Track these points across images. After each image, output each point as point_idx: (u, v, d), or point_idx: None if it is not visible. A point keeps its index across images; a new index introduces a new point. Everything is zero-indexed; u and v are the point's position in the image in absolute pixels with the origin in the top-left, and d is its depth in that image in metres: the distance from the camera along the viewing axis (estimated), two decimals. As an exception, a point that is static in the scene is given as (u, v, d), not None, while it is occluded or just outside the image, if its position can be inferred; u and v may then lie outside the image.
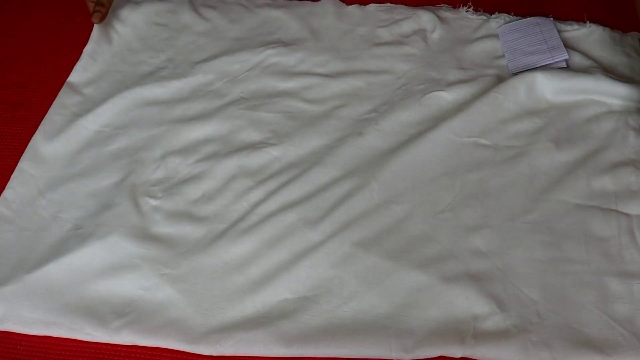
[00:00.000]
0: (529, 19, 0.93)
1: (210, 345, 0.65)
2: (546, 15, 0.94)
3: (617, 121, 0.80)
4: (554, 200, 0.74)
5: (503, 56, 0.90)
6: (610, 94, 0.82)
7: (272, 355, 0.65)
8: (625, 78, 0.84)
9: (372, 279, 0.69)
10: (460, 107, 0.83)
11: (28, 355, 0.67)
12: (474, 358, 0.63)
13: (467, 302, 0.66)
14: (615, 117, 0.80)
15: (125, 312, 0.68)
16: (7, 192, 0.79)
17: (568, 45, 0.89)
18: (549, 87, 0.84)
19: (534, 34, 0.90)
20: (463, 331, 0.64)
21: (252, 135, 0.83)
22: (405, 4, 0.99)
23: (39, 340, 0.68)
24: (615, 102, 0.82)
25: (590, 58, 0.88)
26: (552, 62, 0.86)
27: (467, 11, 0.97)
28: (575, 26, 0.92)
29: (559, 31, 0.91)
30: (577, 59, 0.88)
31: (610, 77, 0.83)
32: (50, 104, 0.89)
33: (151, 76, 0.91)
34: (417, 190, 0.76)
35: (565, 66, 0.86)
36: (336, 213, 0.74)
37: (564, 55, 0.86)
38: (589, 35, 0.91)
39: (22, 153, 0.84)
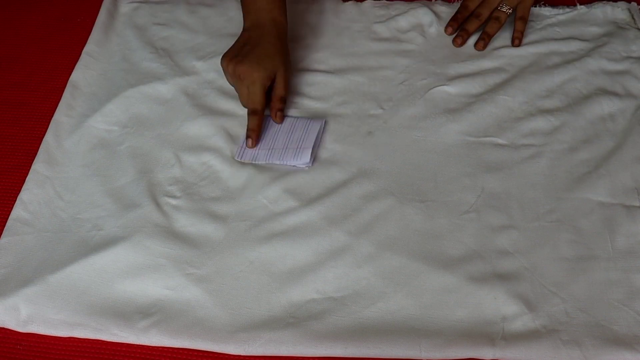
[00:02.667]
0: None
1: (238, 345, 0.64)
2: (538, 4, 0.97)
3: (631, 119, 0.82)
4: (577, 199, 0.74)
5: (501, 47, 0.91)
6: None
7: (301, 355, 0.64)
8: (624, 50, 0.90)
9: (398, 279, 0.69)
10: (467, 107, 0.84)
11: (28, 355, 0.66)
12: (505, 359, 0.63)
13: (496, 303, 0.66)
14: (629, 114, 0.82)
15: (152, 312, 0.67)
16: (23, 194, 0.78)
17: (563, 28, 0.93)
18: (557, 83, 0.86)
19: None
20: (493, 332, 0.64)
21: None
22: (401, 0, 0.99)
23: (39, 340, 0.67)
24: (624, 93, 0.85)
25: (585, 40, 0.92)
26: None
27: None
28: (567, 9, 0.95)
29: (539, 20, 0.94)
30: (574, 44, 0.91)
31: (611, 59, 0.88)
32: (50, 104, 0.88)
33: (153, 74, 0.91)
34: (440, 190, 0.76)
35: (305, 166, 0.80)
36: (359, 212, 0.74)
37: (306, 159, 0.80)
38: (581, 16, 0.95)
39: (22, 153, 0.84)
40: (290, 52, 0.90)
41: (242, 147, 0.81)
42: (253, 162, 0.80)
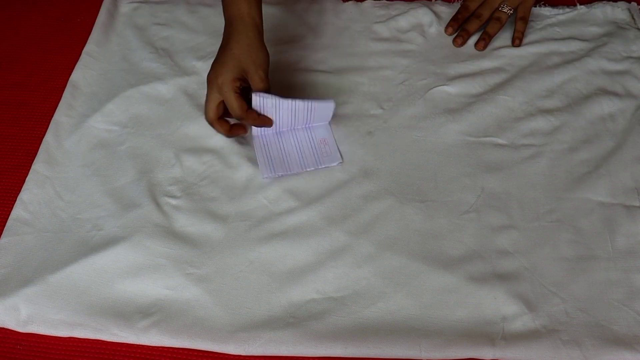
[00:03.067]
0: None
1: (238, 345, 0.64)
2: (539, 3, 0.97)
3: (631, 119, 0.82)
4: (577, 198, 0.74)
5: (501, 47, 0.91)
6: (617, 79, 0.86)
7: (301, 355, 0.64)
8: (624, 51, 0.90)
9: (398, 279, 0.69)
10: (467, 107, 0.84)
11: (28, 355, 0.66)
12: (505, 359, 0.63)
13: (496, 303, 0.66)
14: (629, 114, 0.82)
15: (152, 312, 0.67)
16: (23, 194, 0.78)
17: (563, 28, 0.93)
18: (557, 83, 0.86)
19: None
20: (493, 332, 0.64)
21: None
22: (401, 0, 0.99)
23: (39, 340, 0.67)
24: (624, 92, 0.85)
25: (585, 40, 0.92)
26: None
27: (461, 4, 0.97)
28: (567, 9, 0.95)
29: (547, 17, 0.95)
30: (574, 44, 0.91)
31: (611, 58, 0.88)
32: (50, 104, 0.88)
33: (153, 74, 0.91)
34: (440, 190, 0.76)
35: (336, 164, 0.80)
36: (359, 212, 0.74)
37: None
38: (581, 16, 0.96)
39: (22, 153, 0.84)
40: (288, 54, 0.90)
41: (267, 165, 0.79)
42: (285, 174, 0.79)
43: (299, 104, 0.79)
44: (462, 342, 0.63)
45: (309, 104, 0.80)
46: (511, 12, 0.92)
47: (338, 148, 0.80)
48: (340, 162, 0.79)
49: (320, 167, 0.79)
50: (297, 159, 0.80)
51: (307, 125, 0.83)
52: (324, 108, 0.81)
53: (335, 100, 0.86)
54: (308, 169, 0.79)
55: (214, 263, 0.71)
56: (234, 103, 0.76)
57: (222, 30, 0.97)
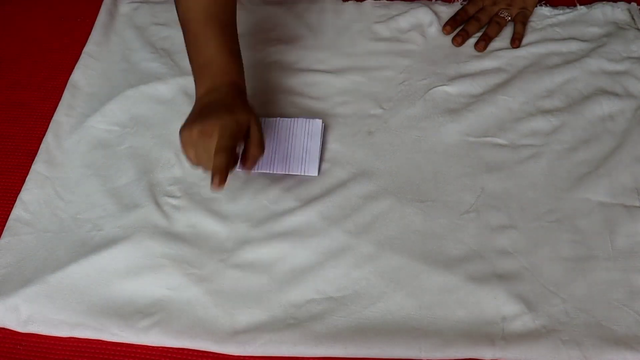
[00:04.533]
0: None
1: (239, 345, 0.65)
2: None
3: (631, 119, 0.82)
4: (577, 199, 0.74)
5: (501, 47, 0.92)
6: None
7: (301, 355, 0.65)
8: (624, 51, 0.89)
9: (398, 279, 0.69)
10: (467, 107, 0.84)
11: (28, 355, 0.66)
12: (505, 359, 0.63)
13: (496, 303, 0.66)
14: (629, 114, 0.82)
15: (152, 312, 0.67)
16: (23, 194, 0.78)
17: (563, 28, 0.93)
18: (557, 83, 0.86)
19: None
20: (492, 333, 0.64)
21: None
22: (401, 0, 0.99)
23: (39, 340, 0.67)
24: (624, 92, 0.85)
25: (585, 40, 0.92)
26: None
27: (461, 4, 0.97)
28: (567, 10, 0.95)
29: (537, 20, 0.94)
30: (574, 44, 0.91)
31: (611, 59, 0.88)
32: (51, 104, 0.88)
33: (153, 74, 0.91)
34: (440, 190, 0.76)
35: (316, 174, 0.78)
36: (359, 212, 0.74)
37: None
38: (581, 16, 0.95)
39: (22, 153, 0.84)
40: (288, 54, 0.90)
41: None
42: (256, 171, 0.79)
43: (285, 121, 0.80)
44: (462, 342, 0.64)
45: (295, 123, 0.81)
46: (509, 18, 0.93)
47: (320, 160, 0.79)
48: (315, 175, 0.78)
49: (291, 173, 0.78)
50: (269, 160, 0.78)
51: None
52: (312, 125, 0.81)
53: (334, 102, 0.86)
54: (278, 172, 0.78)
55: (214, 263, 0.71)
56: (260, 137, 0.68)
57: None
